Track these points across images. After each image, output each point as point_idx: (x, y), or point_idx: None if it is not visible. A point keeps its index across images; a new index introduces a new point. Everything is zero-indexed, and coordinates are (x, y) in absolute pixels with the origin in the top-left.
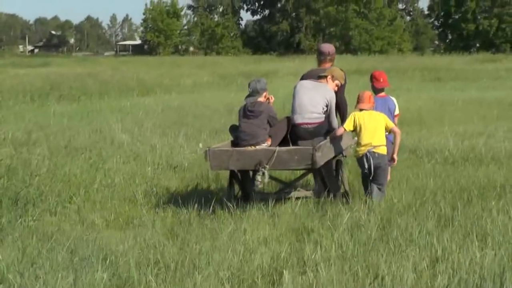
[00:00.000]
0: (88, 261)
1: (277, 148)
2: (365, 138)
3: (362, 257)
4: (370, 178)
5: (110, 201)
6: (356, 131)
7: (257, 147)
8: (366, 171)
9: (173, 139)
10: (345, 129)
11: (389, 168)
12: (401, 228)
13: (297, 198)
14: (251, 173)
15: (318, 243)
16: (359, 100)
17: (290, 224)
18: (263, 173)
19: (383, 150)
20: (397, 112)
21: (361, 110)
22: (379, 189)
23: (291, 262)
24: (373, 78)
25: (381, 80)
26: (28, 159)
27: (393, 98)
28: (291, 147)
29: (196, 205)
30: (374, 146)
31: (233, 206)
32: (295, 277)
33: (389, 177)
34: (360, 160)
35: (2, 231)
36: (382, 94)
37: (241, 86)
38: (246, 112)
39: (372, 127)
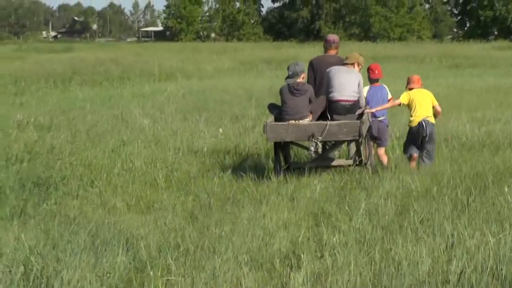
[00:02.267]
0: (109, 244)
1: (329, 122)
2: (420, 110)
3: (379, 241)
4: (422, 147)
5: (131, 185)
6: (409, 105)
7: (300, 121)
8: (424, 135)
9: (194, 124)
10: (402, 102)
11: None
12: (418, 213)
13: (335, 167)
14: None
15: (336, 227)
16: (409, 81)
17: (308, 209)
18: (316, 144)
19: (433, 120)
20: (389, 96)
21: (411, 89)
22: (429, 156)
23: (309, 246)
24: (369, 70)
25: (376, 72)
26: (51, 143)
27: (385, 86)
28: (341, 121)
29: (216, 189)
30: (428, 116)
31: (280, 175)
32: (313, 261)
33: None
34: (415, 128)
35: (25, 214)
36: (377, 83)
37: (261, 72)
38: (293, 91)
39: (424, 102)
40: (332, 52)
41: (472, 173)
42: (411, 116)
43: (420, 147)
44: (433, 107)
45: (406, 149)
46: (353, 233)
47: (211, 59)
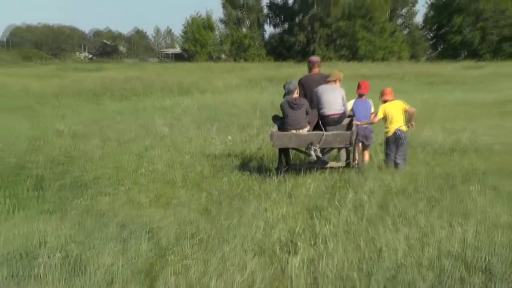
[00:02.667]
0: (135, 234)
1: (325, 133)
2: (394, 122)
3: (364, 231)
4: (396, 151)
5: (153, 184)
6: (385, 117)
7: (303, 130)
8: (400, 142)
9: (206, 132)
10: (380, 118)
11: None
12: (396, 207)
13: (329, 168)
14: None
15: (327, 219)
16: (382, 94)
17: (304, 204)
18: (315, 150)
19: (405, 128)
20: (372, 110)
21: (385, 101)
22: (404, 157)
23: (305, 236)
24: (359, 85)
25: (362, 88)
26: (84, 149)
27: (370, 100)
28: (335, 132)
29: (225, 187)
30: (400, 126)
31: (279, 176)
32: (307, 248)
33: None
34: (391, 137)
35: (63, 208)
36: (363, 98)
37: (264, 88)
38: (292, 105)
39: (396, 114)
40: (316, 70)
41: (443, 174)
42: (387, 127)
43: (398, 151)
44: (407, 111)
45: (388, 156)
46: (341, 225)
47: (222, 77)
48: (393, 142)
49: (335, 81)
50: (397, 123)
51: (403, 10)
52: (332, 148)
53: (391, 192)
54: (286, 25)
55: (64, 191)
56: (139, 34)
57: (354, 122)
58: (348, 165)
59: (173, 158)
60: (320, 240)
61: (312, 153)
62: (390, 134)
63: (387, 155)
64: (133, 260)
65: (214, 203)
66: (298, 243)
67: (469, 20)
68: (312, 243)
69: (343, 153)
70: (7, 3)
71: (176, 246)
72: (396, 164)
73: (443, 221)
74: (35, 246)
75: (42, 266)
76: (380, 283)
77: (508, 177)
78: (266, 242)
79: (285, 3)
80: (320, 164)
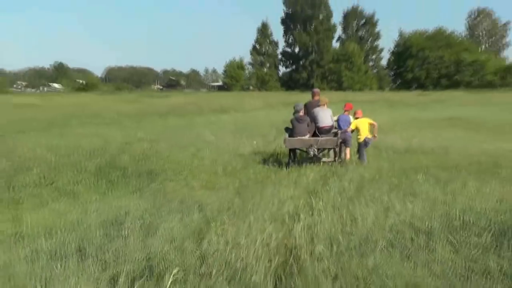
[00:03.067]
0: (190, 207)
1: (320, 138)
2: (363, 133)
3: (345, 207)
4: (363, 152)
5: (202, 174)
6: (357, 129)
7: (305, 137)
8: (365, 147)
9: (239, 139)
10: (352, 129)
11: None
12: (368, 190)
13: (322, 162)
14: (297, 151)
15: (320, 198)
16: (355, 113)
17: (305, 188)
18: (313, 149)
19: (370, 136)
20: (351, 120)
21: (357, 118)
22: (365, 156)
23: (305, 209)
24: (345, 105)
25: (346, 108)
26: (156, 150)
27: (350, 116)
28: (326, 137)
29: (252, 176)
30: (367, 135)
31: (287, 168)
32: (307, 217)
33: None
34: (361, 143)
35: (141, 190)
36: (346, 113)
37: (279, 109)
38: (299, 120)
39: (364, 127)
40: (316, 98)
41: (399, 167)
42: (359, 136)
43: (362, 151)
44: (371, 124)
45: (360, 155)
46: (330, 202)
47: (249, 102)
48: (364, 146)
49: (324, 104)
50: (365, 133)
51: (373, 56)
52: (324, 149)
53: (364, 180)
54: (294, 66)
55: (142, 178)
56: (194, 72)
57: (341, 131)
58: (335, 160)
59: (216, 156)
60: (316, 212)
61: (311, 151)
62: (361, 140)
63: (360, 155)
64: (188, 226)
65: (244, 187)
66: (301, 214)
67: (418, 63)
68: (310, 214)
69: (331, 152)
70: (105, 51)
71: (217, 216)
72: (362, 160)
73: (399, 199)
74: (122, 216)
75: (127, 229)
76: (356, 241)
77: (444, 170)
78: (278, 214)
79: (293, 51)
80: (316, 159)
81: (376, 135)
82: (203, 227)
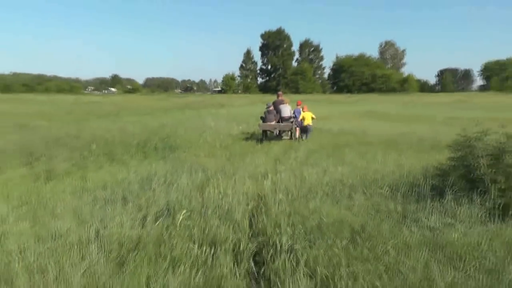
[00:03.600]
0: (197, 169)
1: (280, 124)
2: (307, 121)
3: (298, 169)
4: (306, 133)
5: (205, 147)
6: (303, 118)
7: (272, 123)
8: (308, 129)
9: (230, 124)
10: (301, 119)
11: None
12: (314, 157)
13: (284, 139)
14: (268, 133)
15: (282, 163)
16: (303, 108)
17: (272, 157)
18: (277, 131)
19: (311, 123)
20: (302, 112)
21: (303, 111)
22: (307, 135)
23: (271, 171)
24: (297, 102)
25: (299, 103)
26: (175, 132)
27: (301, 108)
28: (285, 123)
29: (238, 149)
30: (309, 123)
31: (261, 143)
32: (272, 176)
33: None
34: (304, 127)
35: (165, 158)
36: (298, 107)
37: (257, 105)
38: (269, 112)
39: (308, 117)
40: (280, 98)
41: (334, 143)
42: (304, 122)
43: (306, 132)
44: (312, 117)
45: (302, 136)
46: (288, 166)
47: (238, 100)
48: (305, 129)
49: (285, 102)
50: (308, 121)
51: (319, 71)
52: (284, 131)
53: (310, 151)
54: (267, 78)
55: (166, 150)
56: (202, 81)
57: (295, 119)
58: (291, 138)
59: (214, 136)
60: (278, 173)
61: (275, 132)
62: (304, 125)
63: (305, 135)
64: (194, 181)
65: (232, 156)
66: (268, 174)
67: (347, 76)
68: (275, 174)
69: (288, 133)
70: (145, 66)
71: (214, 175)
72: (305, 138)
73: (334, 165)
74: (152, 175)
75: (155, 183)
76: (304, 191)
77: (362, 145)
78: (254, 173)
79: (267, 68)
80: (279, 137)
81: (311, 123)
82: (204, 182)
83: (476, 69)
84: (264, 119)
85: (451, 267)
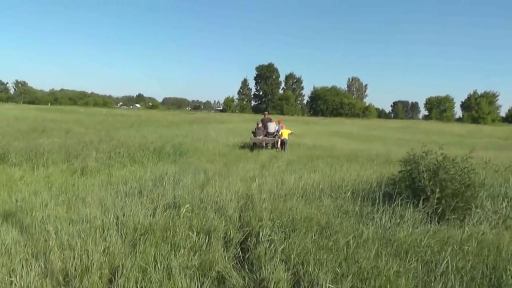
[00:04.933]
0: (200, 171)
1: (266, 138)
2: (284, 135)
3: (279, 174)
4: (283, 145)
5: (207, 154)
6: (281, 134)
7: (260, 137)
8: (285, 142)
9: (227, 137)
10: (282, 134)
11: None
12: (292, 166)
13: (269, 149)
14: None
15: (268, 170)
16: (282, 126)
17: (260, 163)
18: (264, 143)
19: (286, 138)
20: (283, 129)
21: (282, 128)
22: (286, 149)
23: (259, 175)
24: (278, 121)
25: (280, 122)
26: (185, 142)
27: (282, 125)
28: (270, 138)
29: (233, 157)
30: (286, 138)
31: (252, 152)
32: (259, 179)
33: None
34: (283, 140)
35: (175, 162)
36: (280, 124)
37: (251, 123)
38: (258, 129)
39: (285, 133)
40: (266, 116)
41: (309, 155)
42: (282, 137)
43: (284, 146)
44: (289, 133)
45: (283, 148)
46: (272, 172)
47: (236, 118)
48: (284, 143)
49: (271, 120)
50: (284, 136)
51: (299, 98)
52: (269, 143)
53: (290, 161)
54: (259, 101)
55: (176, 155)
56: (208, 102)
57: (277, 134)
58: (274, 148)
59: (215, 145)
60: (264, 177)
61: (263, 144)
62: (282, 139)
63: (282, 148)
64: (197, 181)
65: (228, 162)
66: (256, 178)
67: (321, 102)
68: (261, 177)
69: (273, 145)
70: (163, 87)
71: (213, 177)
72: (284, 150)
73: (307, 172)
74: (163, 174)
75: (165, 181)
76: (283, 193)
77: (331, 157)
78: (245, 177)
79: (259, 94)
80: (265, 148)
81: (287, 137)
82: (205, 182)
83: (421, 102)
84: (254, 134)
85: (397, 259)
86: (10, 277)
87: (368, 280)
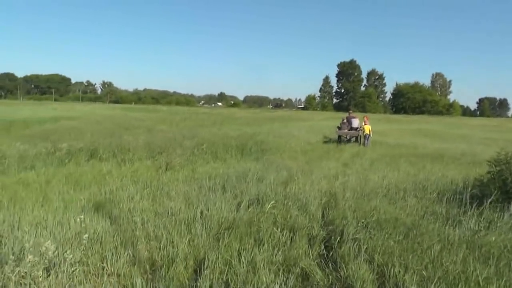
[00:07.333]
0: (281, 169)
1: (350, 132)
2: (366, 131)
3: (362, 173)
4: (366, 140)
5: (289, 152)
6: (364, 130)
7: (345, 131)
8: (366, 138)
9: (309, 134)
10: (364, 129)
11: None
12: (375, 165)
13: (352, 144)
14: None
15: (350, 167)
16: (365, 121)
17: (342, 161)
18: (348, 137)
19: (367, 133)
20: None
21: (365, 124)
22: (367, 142)
23: (341, 173)
24: (364, 117)
25: (366, 119)
26: (266, 139)
27: (365, 122)
28: (352, 131)
29: (316, 154)
30: (367, 133)
31: (337, 147)
32: (342, 177)
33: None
34: (365, 135)
35: (258, 159)
36: (366, 121)
37: (332, 121)
38: (342, 124)
39: (367, 129)
40: (350, 114)
41: (391, 154)
42: (364, 132)
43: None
44: (370, 130)
45: (365, 143)
46: (355, 170)
47: (317, 116)
48: (367, 138)
49: (356, 117)
50: (366, 131)
51: (382, 95)
52: (353, 136)
53: (373, 159)
54: (341, 99)
55: (258, 153)
56: (290, 100)
57: (360, 129)
58: (356, 141)
59: (297, 143)
60: (347, 175)
61: (347, 138)
62: (365, 134)
63: (365, 142)
64: (279, 178)
65: (310, 160)
66: (339, 176)
67: (404, 99)
68: (344, 176)
69: (356, 139)
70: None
71: (296, 174)
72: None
73: (391, 171)
74: (247, 171)
75: (249, 178)
76: (367, 192)
77: (414, 157)
78: (327, 174)
79: (341, 91)
80: (349, 141)
81: (371, 134)
82: (287, 179)
83: (511, 98)
84: (340, 128)
85: (486, 264)
86: (102, 263)
87: (455, 285)
